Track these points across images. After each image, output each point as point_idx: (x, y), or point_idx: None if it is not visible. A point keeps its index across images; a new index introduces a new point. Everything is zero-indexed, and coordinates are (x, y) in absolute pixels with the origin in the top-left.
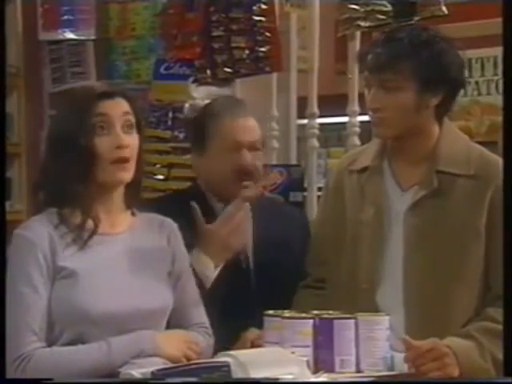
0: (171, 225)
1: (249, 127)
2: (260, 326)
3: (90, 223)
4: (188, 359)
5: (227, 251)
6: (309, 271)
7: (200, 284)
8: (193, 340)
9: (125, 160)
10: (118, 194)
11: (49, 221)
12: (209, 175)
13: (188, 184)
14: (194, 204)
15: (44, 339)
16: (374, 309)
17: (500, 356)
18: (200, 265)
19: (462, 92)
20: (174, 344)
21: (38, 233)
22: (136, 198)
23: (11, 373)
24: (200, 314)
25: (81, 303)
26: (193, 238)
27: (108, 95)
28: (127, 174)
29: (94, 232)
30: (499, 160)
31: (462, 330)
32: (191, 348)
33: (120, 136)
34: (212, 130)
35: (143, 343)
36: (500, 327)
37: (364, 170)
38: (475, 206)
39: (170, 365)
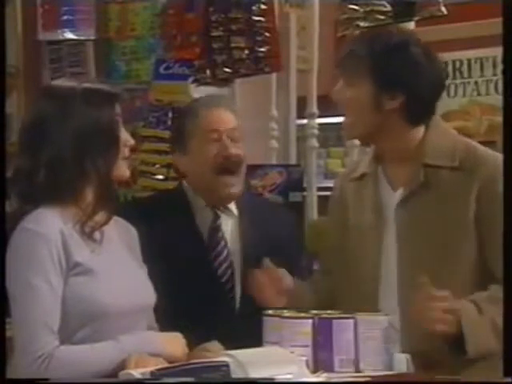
0: (133, 229)
1: (224, 116)
2: (252, 328)
3: (95, 219)
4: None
5: None
6: (316, 279)
7: None
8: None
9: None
10: None
11: (58, 216)
12: (193, 173)
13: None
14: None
15: (59, 336)
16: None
17: (498, 321)
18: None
19: (439, 99)
20: (175, 344)
21: (50, 227)
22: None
23: (31, 373)
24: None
25: (100, 300)
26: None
27: (118, 97)
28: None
29: (95, 227)
30: (486, 151)
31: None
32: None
33: (127, 134)
34: (190, 125)
35: (151, 342)
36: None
37: (362, 176)
38: (462, 197)
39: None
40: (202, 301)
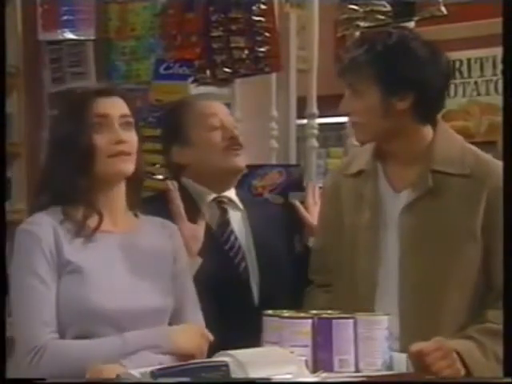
0: (173, 226)
1: (217, 104)
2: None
3: (92, 219)
4: (202, 353)
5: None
6: (313, 279)
7: None
8: (206, 332)
9: (125, 153)
10: (120, 193)
11: (53, 217)
12: (198, 161)
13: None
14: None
15: (55, 331)
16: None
17: (499, 352)
18: None
19: (447, 93)
20: (188, 338)
21: (42, 227)
22: (138, 199)
23: (25, 366)
24: (197, 315)
25: (90, 301)
26: None
27: (105, 94)
28: (128, 166)
29: (96, 228)
30: (494, 160)
31: (462, 333)
32: (206, 338)
33: (118, 132)
34: (187, 115)
35: (158, 338)
36: (500, 327)
37: (359, 173)
38: (471, 206)
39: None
40: (219, 294)
